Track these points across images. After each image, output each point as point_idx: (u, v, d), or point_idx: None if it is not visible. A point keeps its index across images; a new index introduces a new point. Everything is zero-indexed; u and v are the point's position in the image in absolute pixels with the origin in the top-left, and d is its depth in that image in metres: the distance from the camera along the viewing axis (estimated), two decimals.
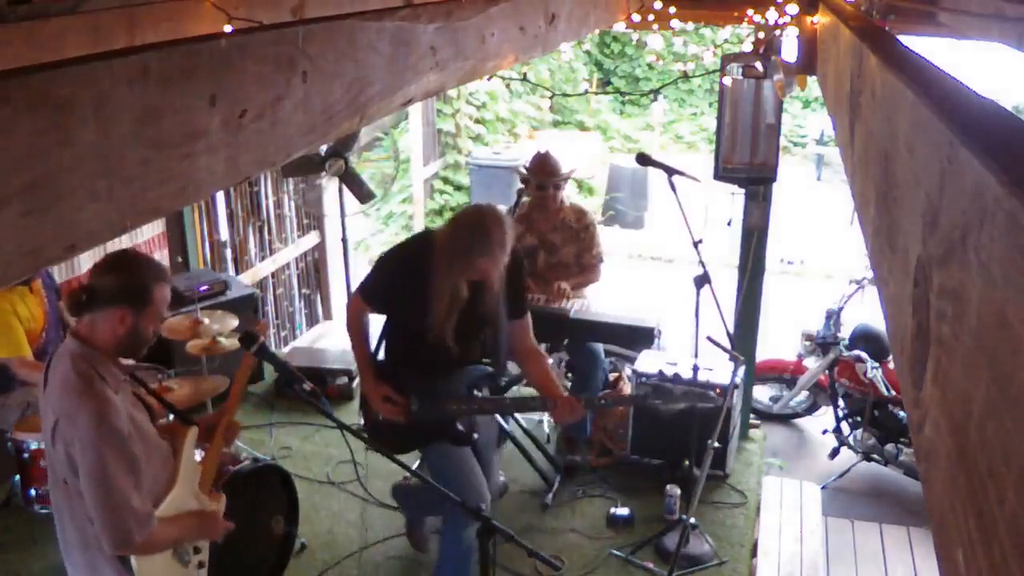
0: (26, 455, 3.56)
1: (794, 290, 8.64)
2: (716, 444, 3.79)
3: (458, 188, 10.61)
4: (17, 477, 3.78)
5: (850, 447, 5.70)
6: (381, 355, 3.56)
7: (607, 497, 4.46)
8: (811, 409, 6.26)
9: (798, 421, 6.40)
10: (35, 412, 3.57)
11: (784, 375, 6.19)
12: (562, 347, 4.79)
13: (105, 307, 2.38)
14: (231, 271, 6.10)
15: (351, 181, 5.42)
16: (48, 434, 2.37)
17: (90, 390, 2.32)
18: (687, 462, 4.25)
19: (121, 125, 1.19)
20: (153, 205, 1.29)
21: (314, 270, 7.30)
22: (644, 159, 4.42)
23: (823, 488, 5.36)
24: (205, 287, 5.01)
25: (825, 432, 5.93)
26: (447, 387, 3.40)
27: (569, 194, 4.92)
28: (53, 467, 2.43)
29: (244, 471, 3.35)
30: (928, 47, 3.96)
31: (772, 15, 4.04)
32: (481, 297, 3.29)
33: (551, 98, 6.86)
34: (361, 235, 9.79)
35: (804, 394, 6.19)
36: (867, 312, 5.62)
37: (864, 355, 5.58)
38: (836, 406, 5.78)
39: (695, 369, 4.35)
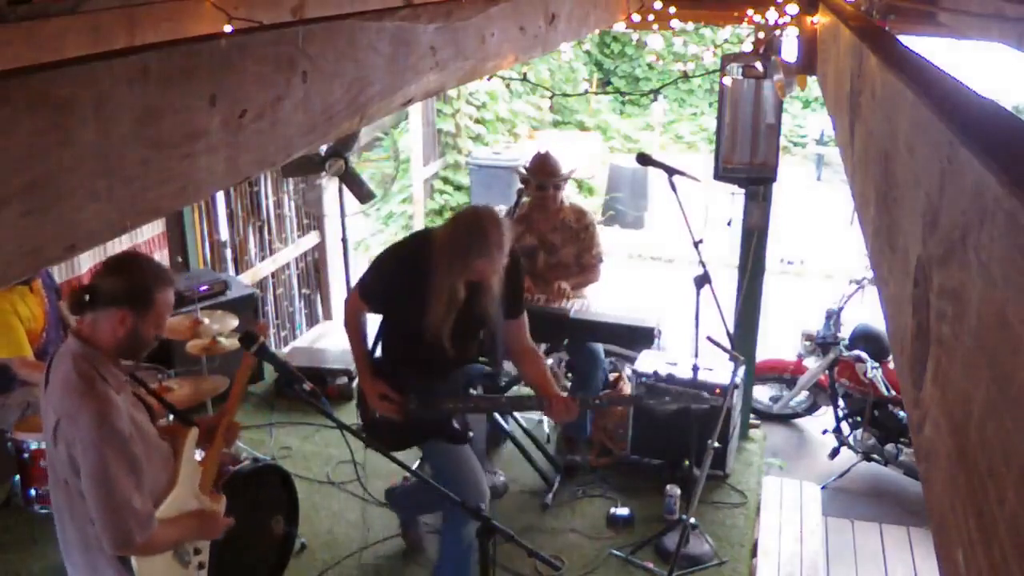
0: (26, 455, 3.56)
1: (794, 290, 8.64)
2: (716, 444, 3.79)
3: (458, 188, 10.61)
4: (17, 477, 3.78)
5: (850, 447, 5.70)
6: (378, 353, 3.57)
7: (607, 497, 4.46)
8: (811, 409, 6.26)
9: (798, 421, 6.40)
10: (35, 412, 3.57)
11: (784, 375, 6.19)
12: (562, 347, 4.79)
13: (106, 307, 2.39)
14: (231, 271, 6.10)
15: (351, 181, 5.42)
16: (49, 434, 2.37)
17: (92, 390, 2.32)
18: (687, 462, 4.25)
19: (121, 125, 1.19)
20: (153, 205, 1.29)
21: (314, 270, 7.30)
22: (644, 159, 4.42)
23: (823, 488, 5.36)
24: (205, 287, 5.01)
25: (825, 432, 5.93)
26: (444, 386, 3.42)
27: (569, 194, 4.92)
28: (54, 467, 2.43)
29: (244, 471, 3.35)
30: (928, 47, 3.96)
31: (772, 15, 4.04)
32: (478, 299, 3.31)
33: (551, 98, 6.86)
34: (361, 235, 9.79)
35: (804, 394, 6.19)
36: (867, 312, 5.62)
37: (864, 355, 5.58)
38: (836, 406, 5.78)
39: (695, 369, 4.35)
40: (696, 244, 4.09)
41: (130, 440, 2.34)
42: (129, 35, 1.94)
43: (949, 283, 0.68)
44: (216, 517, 2.71)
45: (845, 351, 5.67)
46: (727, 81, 4.49)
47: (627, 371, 4.93)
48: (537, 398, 3.49)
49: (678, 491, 4.28)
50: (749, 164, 4.65)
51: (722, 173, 4.72)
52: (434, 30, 2.26)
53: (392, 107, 2.15)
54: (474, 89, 10.38)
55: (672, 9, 4.20)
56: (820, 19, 3.75)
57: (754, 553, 4.24)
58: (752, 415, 5.27)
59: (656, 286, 8.59)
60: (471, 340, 3.48)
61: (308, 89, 1.67)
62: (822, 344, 5.77)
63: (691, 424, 4.09)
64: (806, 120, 13.58)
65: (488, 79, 4.56)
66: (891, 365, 5.48)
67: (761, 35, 4.41)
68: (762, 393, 6.23)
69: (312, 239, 7.17)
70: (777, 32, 4.11)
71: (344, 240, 5.79)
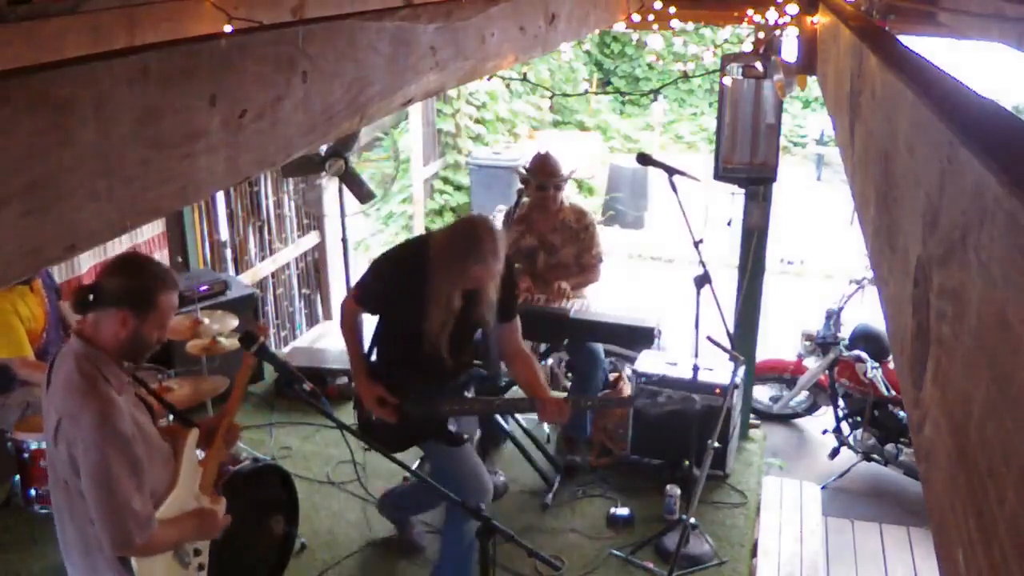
0: (26, 455, 3.56)
1: (794, 290, 8.64)
2: (716, 444, 3.80)
3: (458, 188, 10.61)
4: (17, 477, 3.78)
5: (850, 447, 5.71)
6: (373, 357, 3.60)
7: (607, 497, 4.46)
8: (811, 409, 6.26)
9: (798, 421, 6.41)
10: (35, 412, 3.57)
11: (784, 375, 6.19)
12: (562, 347, 4.79)
13: (109, 308, 2.39)
14: (231, 271, 6.10)
15: (351, 181, 5.43)
16: (50, 434, 2.37)
17: (94, 391, 2.32)
18: (687, 462, 4.25)
19: (121, 125, 1.19)
20: (153, 205, 1.29)
21: (314, 270, 7.30)
22: (644, 159, 4.41)
23: (823, 488, 5.36)
24: (205, 287, 5.01)
25: (825, 432, 5.93)
26: (440, 389, 3.46)
27: (569, 194, 4.92)
28: (54, 467, 2.43)
29: (244, 471, 3.35)
30: (928, 47, 3.96)
31: (772, 15, 4.04)
32: (474, 306, 3.36)
33: (551, 98, 6.86)
34: (361, 235, 9.79)
35: (804, 394, 6.19)
36: (867, 312, 5.62)
37: (864, 355, 5.58)
38: (836, 406, 5.78)
39: (695, 369, 4.35)
40: (696, 244, 4.09)
41: (131, 441, 2.34)
42: (129, 35, 1.94)
43: (949, 283, 0.68)
44: (216, 517, 2.71)
45: (845, 351, 5.68)
46: (727, 81, 4.49)
47: (627, 371, 4.93)
48: (529, 399, 3.52)
49: (678, 491, 4.28)
50: (749, 164, 4.65)
51: (722, 173, 4.72)
52: (434, 30, 2.26)
53: (392, 107, 2.15)
54: (474, 89, 10.38)
55: (672, 9, 4.20)
56: (820, 19, 3.76)
57: (754, 553, 4.24)
58: (752, 415, 5.27)
59: (656, 286, 8.59)
60: (467, 345, 3.52)
61: (308, 89, 1.67)
62: (822, 344, 5.77)
63: (691, 424, 4.09)
64: (806, 120, 13.58)
65: (488, 79, 4.56)
66: (891, 365, 5.48)
67: (761, 35, 4.41)
68: (762, 393, 6.23)
69: (312, 239, 7.18)
70: (777, 32, 4.11)
71: (344, 240, 5.79)
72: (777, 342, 6.35)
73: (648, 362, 4.60)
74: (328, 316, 7.44)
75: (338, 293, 7.23)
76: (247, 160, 1.52)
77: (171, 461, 2.60)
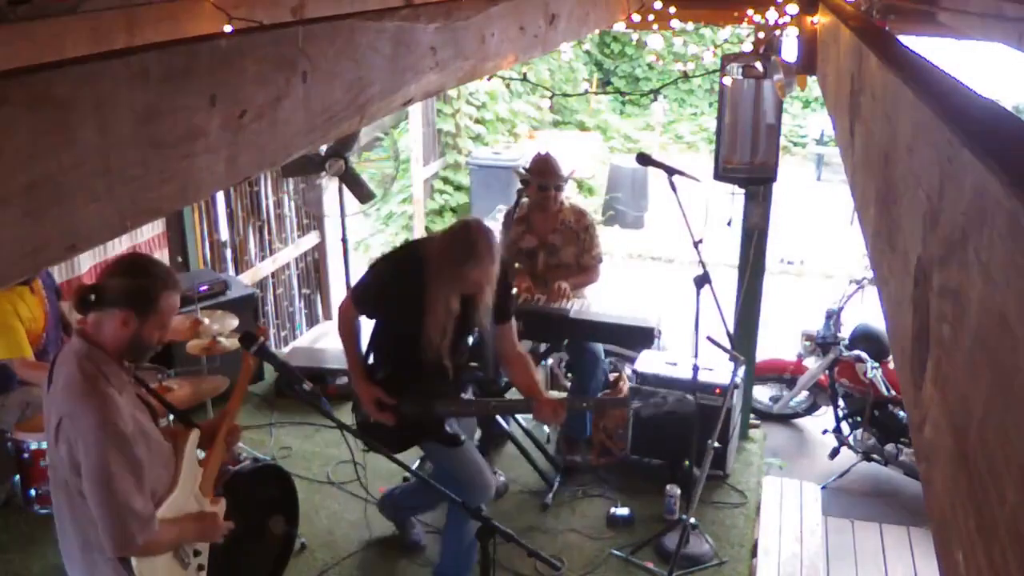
0: (26, 455, 3.56)
1: (794, 290, 8.64)
2: (716, 444, 3.80)
3: (458, 188, 10.61)
4: (17, 477, 3.78)
5: (850, 447, 5.71)
6: (370, 360, 3.61)
7: (607, 497, 4.46)
8: (811, 409, 6.26)
9: (798, 421, 6.41)
10: (35, 412, 3.57)
11: (784, 375, 6.19)
12: (562, 347, 4.79)
13: (110, 308, 2.39)
14: (231, 271, 6.10)
15: (351, 181, 5.42)
16: (51, 433, 2.37)
17: (95, 390, 2.32)
18: (687, 462, 4.25)
19: (121, 125, 1.19)
20: (153, 205, 1.29)
21: (314, 270, 7.30)
22: (644, 159, 4.41)
23: (823, 488, 5.36)
24: (205, 287, 5.01)
25: (825, 432, 5.93)
26: (437, 391, 3.47)
27: (569, 194, 4.92)
28: (55, 467, 2.43)
29: (244, 471, 3.35)
30: (928, 47, 3.96)
31: (772, 15, 4.04)
32: (472, 310, 3.38)
33: (551, 98, 6.85)
34: (361, 235, 9.79)
35: (804, 394, 6.19)
36: (867, 312, 5.62)
37: (864, 355, 5.58)
38: (836, 406, 5.78)
39: (695, 369, 4.35)
40: (696, 244, 4.09)
41: (132, 441, 2.34)
42: (129, 35, 1.94)
43: (949, 283, 0.68)
44: (216, 520, 2.71)
45: (845, 351, 5.67)
46: (727, 81, 4.48)
47: (627, 371, 4.93)
48: (525, 400, 3.53)
49: (678, 491, 4.28)
50: (749, 164, 4.65)
51: (722, 173, 4.72)
52: (434, 30, 2.26)
53: (392, 107, 2.15)
54: (474, 89, 10.38)
55: (672, 9, 4.20)
56: (820, 19, 3.76)
57: (754, 553, 4.24)
58: (752, 415, 5.27)
59: (656, 286, 8.58)
60: (464, 347, 3.55)
61: (308, 89, 1.67)
62: (822, 344, 5.77)
63: (691, 424, 4.09)
64: (806, 120, 13.58)
65: (488, 79, 4.56)
66: (891, 365, 5.48)
67: (761, 35, 4.41)
68: (762, 393, 6.23)
69: (312, 239, 7.18)
70: (777, 32, 4.11)
71: (344, 240, 5.79)
72: (777, 342, 6.35)
73: (648, 362, 4.60)
74: (328, 316, 7.44)
75: (338, 293, 7.23)
76: (247, 160, 1.52)
77: (172, 461, 2.60)
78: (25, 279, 3.61)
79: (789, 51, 4.08)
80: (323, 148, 5.12)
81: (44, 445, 3.30)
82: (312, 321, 7.32)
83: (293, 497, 3.61)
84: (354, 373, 3.53)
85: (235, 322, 4.25)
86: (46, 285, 3.90)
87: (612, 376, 4.87)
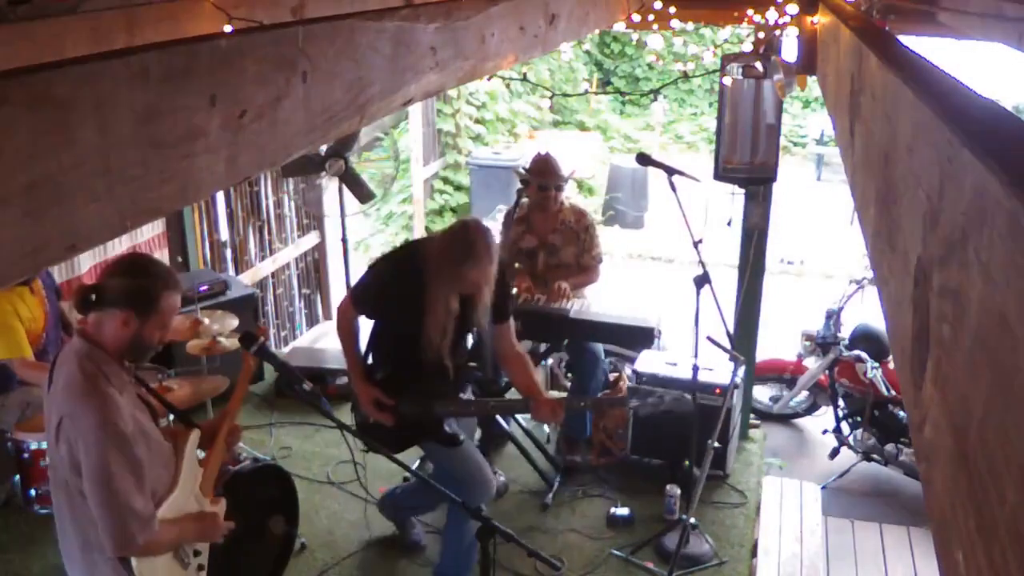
0: (26, 455, 3.56)
1: (794, 290, 8.64)
2: (716, 444, 3.80)
3: (458, 188, 10.61)
4: (17, 477, 3.78)
5: (850, 447, 5.70)
6: (369, 360, 3.61)
7: (607, 497, 4.46)
8: (811, 409, 6.26)
9: (798, 421, 6.41)
10: (35, 412, 3.57)
11: (784, 375, 6.19)
12: (562, 347, 4.79)
13: (110, 308, 2.39)
14: (231, 271, 6.10)
15: (351, 181, 5.42)
16: (52, 433, 2.37)
17: (95, 390, 2.32)
18: (687, 462, 4.25)
19: (121, 125, 1.19)
20: (153, 205, 1.29)
21: (314, 270, 7.30)
22: (644, 159, 4.41)
23: (823, 488, 5.36)
24: (205, 287, 5.01)
25: (825, 432, 5.93)
26: (436, 391, 3.48)
27: (569, 194, 4.92)
28: (55, 467, 2.43)
29: (244, 471, 3.35)
30: (928, 47, 3.96)
31: (772, 15, 4.04)
32: (470, 310, 3.38)
33: (551, 98, 6.85)
34: (361, 235, 9.79)
35: (804, 394, 6.19)
36: (867, 312, 5.62)
37: (864, 355, 5.57)
38: (836, 406, 5.78)
39: (695, 369, 4.34)
40: (696, 244, 4.08)
41: (132, 441, 2.34)
42: (129, 35, 1.94)
43: (949, 283, 0.68)
44: (216, 520, 2.71)
45: (845, 351, 5.67)
46: (727, 81, 4.48)
47: (627, 371, 4.93)
48: (523, 400, 3.53)
49: (678, 491, 4.28)
50: (749, 164, 4.65)
51: (722, 173, 4.72)
52: (434, 30, 2.26)
53: (392, 107, 2.15)
54: (474, 89, 10.38)
55: (672, 9, 4.20)
56: (820, 19, 3.76)
57: (754, 553, 4.24)
58: (752, 415, 5.27)
59: (656, 286, 8.58)
60: (464, 347, 3.57)
61: (308, 89, 1.67)
62: (822, 344, 5.77)
63: (691, 424, 4.10)
64: (806, 120, 13.59)
65: (488, 79, 4.56)
66: (891, 365, 5.48)
67: (761, 35, 4.41)
68: (762, 393, 6.23)
69: (312, 239, 7.18)
70: (777, 32, 4.11)
71: (344, 240, 5.79)
72: (777, 342, 6.35)
73: (648, 362, 4.60)
74: (328, 316, 7.44)
75: (338, 293, 7.23)
76: (247, 160, 1.52)
77: (172, 461, 2.60)
78: (25, 279, 3.61)
79: (789, 51, 4.08)
80: (323, 148, 5.12)
81: (44, 445, 3.30)
82: (312, 321, 7.32)
83: (293, 497, 3.61)
84: (353, 373, 3.53)
85: (235, 322, 4.25)
86: (46, 285, 3.90)
87: (612, 376, 4.87)
